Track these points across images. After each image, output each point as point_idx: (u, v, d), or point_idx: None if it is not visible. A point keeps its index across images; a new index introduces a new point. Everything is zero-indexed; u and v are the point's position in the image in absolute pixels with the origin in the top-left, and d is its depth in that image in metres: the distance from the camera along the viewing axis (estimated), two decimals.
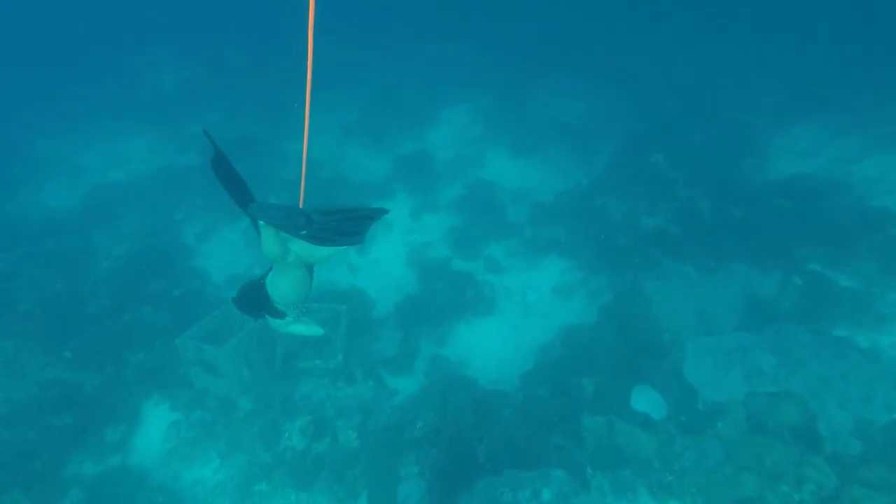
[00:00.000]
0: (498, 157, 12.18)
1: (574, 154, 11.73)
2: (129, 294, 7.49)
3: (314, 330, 3.90)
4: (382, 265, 9.32)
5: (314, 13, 1.69)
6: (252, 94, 13.61)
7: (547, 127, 12.41)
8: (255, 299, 3.62)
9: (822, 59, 13.28)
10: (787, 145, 10.54)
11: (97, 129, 12.38)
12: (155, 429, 6.71)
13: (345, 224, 3.39)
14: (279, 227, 3.25)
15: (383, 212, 3.24)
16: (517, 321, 8.22)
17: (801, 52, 14.01)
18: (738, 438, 5.30)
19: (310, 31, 1.82)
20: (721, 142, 10.94)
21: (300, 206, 2.83)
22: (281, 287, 3.42)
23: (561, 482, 5.04)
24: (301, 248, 3.32)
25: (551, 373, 6.47)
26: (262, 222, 3.30)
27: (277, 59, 15.26)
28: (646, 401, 5.65)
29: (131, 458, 6.43)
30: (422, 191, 10.86)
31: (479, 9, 20.04)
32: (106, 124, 12.56)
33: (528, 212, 10.36)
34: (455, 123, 13.44)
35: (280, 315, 3.82)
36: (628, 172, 10.27)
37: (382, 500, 5.52)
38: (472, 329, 8.03)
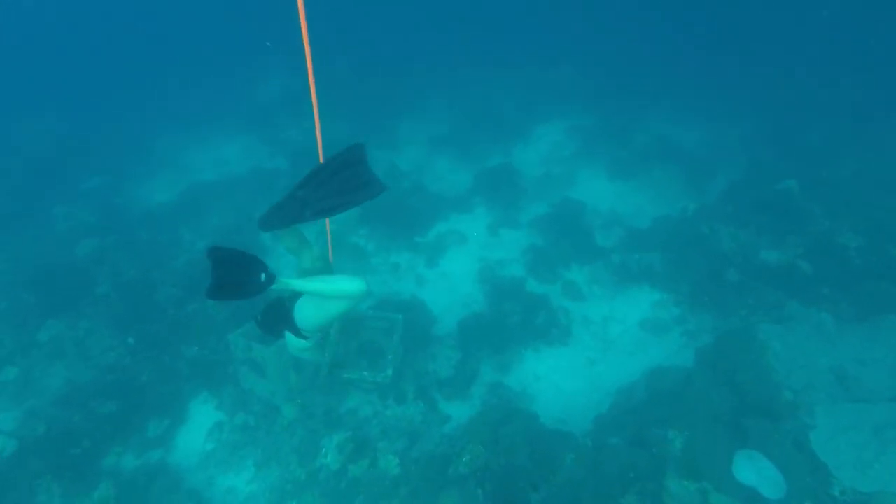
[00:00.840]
0: (592, 177, 11.46)
1: (682, 179, 10.65)
2: (198, 287, 7.82)
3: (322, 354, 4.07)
4: (451, 279, 8.88)
5: None
6: (350, 104, 14.29)
7: (654, 150, 11.48)
8: (278, 319, 3.69)
9: None
10: None
11: (207, 131, 13.70)
12: (198, 428, 6.70)
13: (345, 183, 3.07)
14: (288, 223, 3.28)
15: (360, 148, 3.20)
16: (594, 355, 7.27)
17: None
18: None
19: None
20: (881, 171, 9.29)
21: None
22: (309, 311, 3.53)
23: None
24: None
25: (630, 419, 5.48)
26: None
27: (379, 71, 16.30)
28: (755, 472, 4.47)
29: (171, 456, 6.43)
30: (503, 206, 10.40)
31: (588, 30, 19.69)
32: (214, 127, 13.88)
33: (619, 237, 9.45)
34: (548, 141, 12.96)
35: (302, 338, 3.78)
36: (749, 199, 8.96)
37: None
38: (540, 358, 7.24)
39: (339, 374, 6.24)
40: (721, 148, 11.77)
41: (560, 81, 15.37)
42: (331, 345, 6.46)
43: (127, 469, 6.16)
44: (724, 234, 8.30)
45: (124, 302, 7.60)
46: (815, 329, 6.53)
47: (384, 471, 5.84)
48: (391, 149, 12.82)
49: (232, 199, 10.71)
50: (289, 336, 3.82)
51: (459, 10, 22.37)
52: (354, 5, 22.08)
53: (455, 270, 9.05)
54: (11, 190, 11.30)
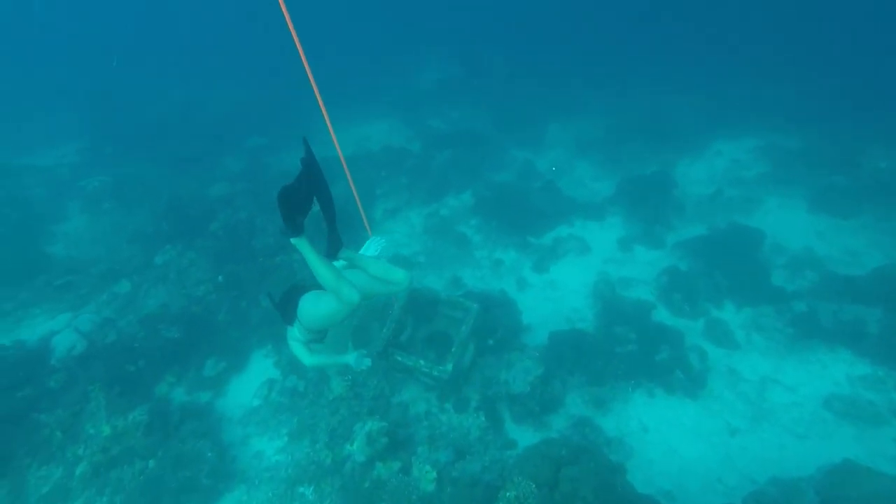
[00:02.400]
0: (784, 207, 9.24)
1: None
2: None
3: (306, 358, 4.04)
4: (559, 288, 7.68)
5: None
6: (501, 100, 14.14)
7: (887, 184, 8.87)
8: (288, 304, 3.94)
9: None
10: None
11: (359, 112, 14.70)
12: (252, 380, 6.57)
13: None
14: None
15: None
16: (738, 423, 5.40)
17: None
18: None
19: None
20: None
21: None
22: (309, 304, 3.84)
23: None
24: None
25: None
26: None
27: (536, 70, 15.88)
28: None
29: (218, 401, 6.38)
30: (646, 220, 8.83)
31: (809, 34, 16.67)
32: (368, 109, 14.79)
33: (812, 282, 7.29)
34: (727, 158, 10.93)
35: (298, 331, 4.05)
36: None
37: None
38: (653, 404, 5.63)
39: (393, 356, 5.57)
40: None
41: (759, 95, 13.01)
42: (390, 321, 5.87)
43: (174, 400, 6.25)
44: None
45: (227, 241, 8.07)
46: None
47: (416, 481, 4.93)
48: (532, 148, 12.09)
49: (360, 171, 11.01)
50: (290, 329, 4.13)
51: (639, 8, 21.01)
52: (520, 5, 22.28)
53: (566, 280, 7.82)
54: (191, 139, 13.32)
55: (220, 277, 7.61)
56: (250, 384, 6.60)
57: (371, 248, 4.54)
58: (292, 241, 3.38)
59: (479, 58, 17.09)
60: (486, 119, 13.47)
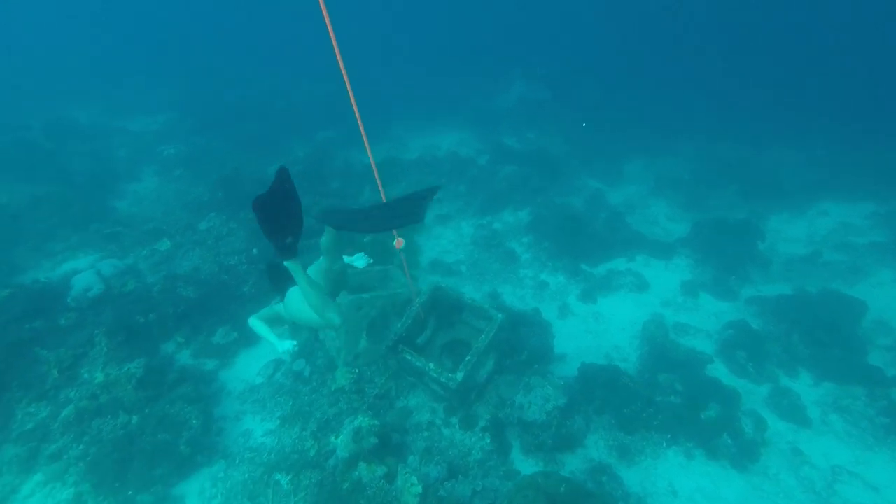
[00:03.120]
0: None
1: None
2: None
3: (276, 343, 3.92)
4: (604, 322, 7.04)
5: None
6: (580, 125, 13.80)
7: None
8: (278, 279, 3.94)
9: None
10: None
11: (438, 123, 14.98)
12: (260, 356, 6.44)
13: (401, 207, 3.27)
14: (342, 226, 3.56)
15: (435, 190, 3.35)
16: None
17: None
18: None
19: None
20: None
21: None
22: (292, 301, 3.88)
23: None
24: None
25: None
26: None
27: (623, 104, 15.40)
28: None
29: (222, 372, 6.28)
30: (720, 268, 8.00)
31: None
32: (444, 121, 15.09)
33: None
34: (835, 220, 9.83)
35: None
36: None
37: None
38: (689, 468, 4.86)
39: (402, 354, 5.23)
40: None
41: (885, 160, 11.67)
42: (406, 317, 5.55)
43: (177, 361, 6.22)
44: None
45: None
46: None
47: (398, 492, 4.49)
48: (606, 180, 11.56)
49: (419, 175, 11.01)
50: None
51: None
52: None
53: (613, 314, 7.18)
54: (267, 123, 14.02)
55: (254, 250, 7.68)
56: (258, 361, 6.47)
57: (360, 261, 4.47)
58: (285, 263, 3.48)
59: (568, 83, 16.89)
60: (562, 144, 13.13)
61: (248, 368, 6.41)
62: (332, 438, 5.00)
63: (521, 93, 16.93)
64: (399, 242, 4.00)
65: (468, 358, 5.06)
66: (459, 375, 4.94)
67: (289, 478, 4.96)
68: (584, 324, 7.03)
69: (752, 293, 7.59)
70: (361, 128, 3.41)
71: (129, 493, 4.83)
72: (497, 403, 5.35)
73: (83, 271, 6.54)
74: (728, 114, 14.78)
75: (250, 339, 6.69)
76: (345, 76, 3.03)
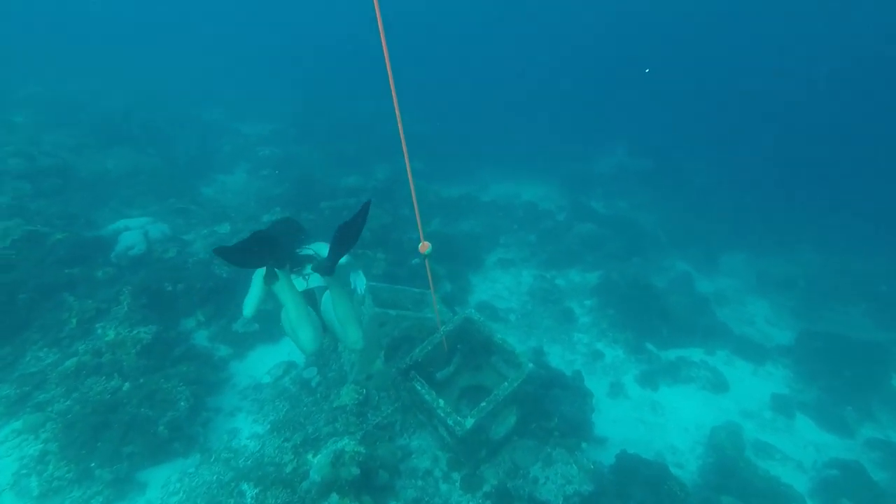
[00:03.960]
0: None
1: None
2: (382, 243, 7.78)
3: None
4: (664, 414, 6.03)
5: None
6: (679, 204, 13.04)
7: None
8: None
9: None
10: None
11: (526, 173, 14.77)
12: (275, 354, 6.12)
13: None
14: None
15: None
16: None
17: None
18: None
19: None
20: None
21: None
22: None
23: None
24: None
25: None
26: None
27: (735, 192, 14.28)
28: None
29: (233, 362, 6.00)
30: (830, 392, 6.70)
31: None
32: (534, 173, 14.81)
33: None
34: None
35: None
36: None
37: None
38: None
39: (412, 382, 4.63)
40: None
41: None
42: (428, 342, 4.96)
43: (190, 339, 6.03)
44: None
45: (329, 220, 8.17)
46: None
47: None
48: (698, 266, 10.48)
49: (487, 216, 10.69)
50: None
51: None
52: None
53: (676, 409, 6.15)
54: (359, 144, 14.41)
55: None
56: (272, 358, 6.13)
57: (359, 282, 4.30)
58: (279, 272, 3.43)
59: (676, 158, 16.04)
60: (654, 219, 12.26)
61: (259, 364, 6.08)
62: (310, 457, 4.44)
63: (620, 161, 16.31)
64: (424, 246, 3.52)
65: (483, 404, 4.35)
66: (469, 422, 4.24)
67: (255, 491, 4.40)
68: (638, 411, 6.04)
69: (877, 435, 6.19)
70: (406, 155, 3.08)
71: (92, 464, 4.47)
72: (509, 470, 4.53)
73: (132, 230, 6.68)
74: (865, 225, 13.11)
75: (271, 335, 6.42)
76: (398, 115, 2.76)
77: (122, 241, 6.48)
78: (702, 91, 24.21)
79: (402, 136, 3.00)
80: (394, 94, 2.82)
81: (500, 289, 8.30)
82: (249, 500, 4.36)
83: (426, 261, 3.76)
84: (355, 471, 4.13)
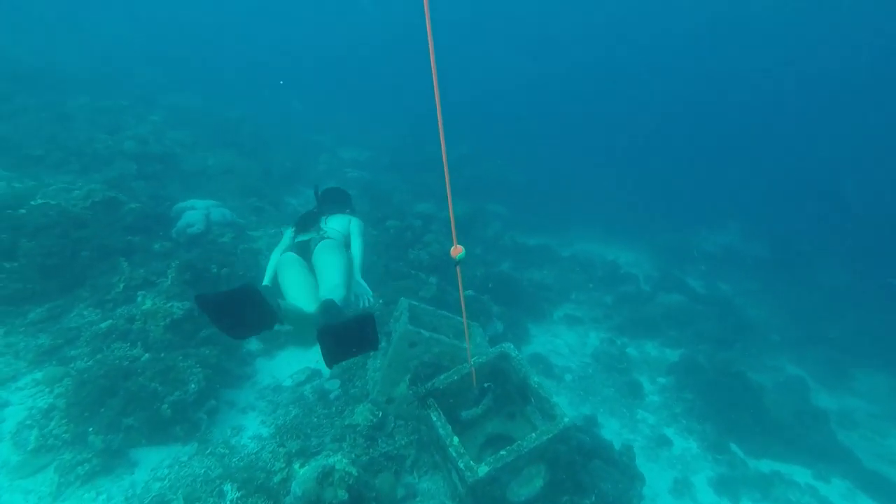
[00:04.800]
0: None
1: None
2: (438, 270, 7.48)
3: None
4: None
5: None
6: (803, 302, 11.53)
7: None
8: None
9: None
10: None
11: (621, 240, 13.90)
12: (304, 359, 5.86)
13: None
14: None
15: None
16: None
17: None
18: None
19: None
20: None
21: None
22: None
23: None
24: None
25: None
26: None
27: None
28: None
29: (260, 359, 5.83)
30: None
31: None
32: (626, 239, 13.92)
33: None
34: None
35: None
36: None
37: None
38: None
39: (428, 410, 4.09)
40: None
41: None
42: (455, 371, 4.40)
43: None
44: None
45: (391, 238, 8.01)
46: None
47: None
48: (822, 380, 8.89)
49: (563, 271, 10.04)
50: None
51: None
52: None
53: None
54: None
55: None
56: (300, 362, 5.86)
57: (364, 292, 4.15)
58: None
59: (803, 250, 14.30)
60: (763, 313, 10.82)
61: (286, 366, 5.81)
62: (297, 467, 3.99)
63: (731, 241, 14.88)
64: (457, 249, 3.12)
65: (502, 452, 3.71)
66: (483, 469, 3.60)
67: (236, 495, 4.01)
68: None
69: None
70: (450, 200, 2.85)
71: (89, 429, 4.34)
72: None
73: (196, 209, 6.91)
74: None
75: (306, 337, 6.17)
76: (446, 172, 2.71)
77: (184, 217, 6.69)
78: (844, 174, 21.44)
79: (443, 151, 2.71)
80: (440, 127, 2.61)
81: (561, 345, 7.54)
82: (232, 499, 3.98)
83: (458, 269, 3.33)
84: (342, 495, 3.62)
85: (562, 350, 7.42)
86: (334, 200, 4.67)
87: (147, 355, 4.98)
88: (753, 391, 6.93)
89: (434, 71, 2.30)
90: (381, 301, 6.05)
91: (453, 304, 6.58)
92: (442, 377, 4.34)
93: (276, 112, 19.61)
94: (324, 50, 38.30)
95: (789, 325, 10.34)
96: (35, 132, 9.54)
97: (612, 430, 5.91)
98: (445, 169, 2.79)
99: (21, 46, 17.47)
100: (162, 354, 5.02)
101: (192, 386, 4.78)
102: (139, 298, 5.67)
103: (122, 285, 5.74)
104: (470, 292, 6.89)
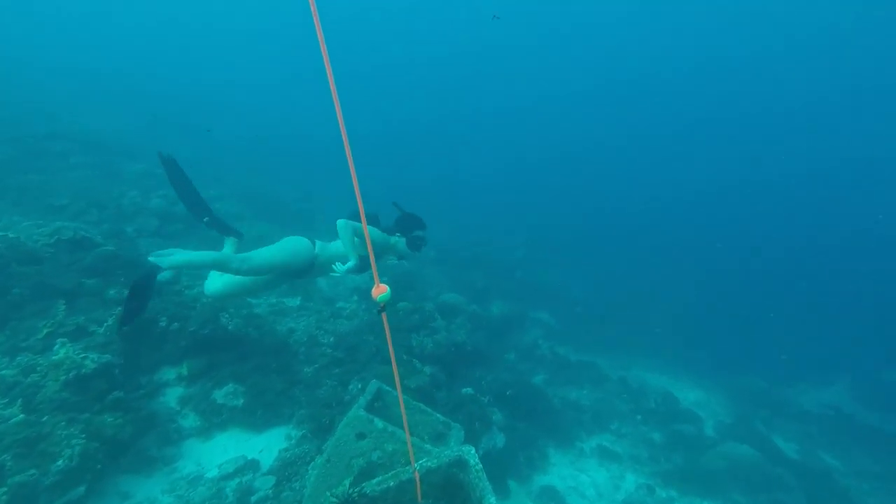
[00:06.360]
0: None
1: None
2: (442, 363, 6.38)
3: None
4: None
5: None
6: None
7: None
8: None
9: None
10: None
11: (689, 377, 12.05)
12: (243, 448, 4.79)
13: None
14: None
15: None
16: None
17: None
18: None
19: None
20: None
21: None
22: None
23: None
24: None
25: None
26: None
27: None
28: None
29: (192, 439, 4.82)
30: None
31: None
32: (697, 377, 12.07)
33: None
34: None
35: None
36: None
37: None
38: None
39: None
40: None
41: None
42: (388, 478, 3.23)
43: (159, 395, 5.20)
44: None
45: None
46: None
47: None
48: None
49: (605, 394, 8.58)
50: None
51: None
52: None
53: None
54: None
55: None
56: (235, 450, 4.80)
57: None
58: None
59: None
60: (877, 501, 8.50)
61: (220, 452, 4.76)
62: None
63: (838, 401, 12.39)
64: (379, 289, 2.30)
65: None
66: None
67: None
68: None
69: None
70: None
71: None
72: None
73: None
74: None
75: (256, 420, 5.23)
76: None
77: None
78: None
79: None
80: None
81: (585, 483, 5.99)
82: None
83: (383, 315, 2.41)
84: None
85: (586, 490, 5.86)
86: (405, 225, 4.99)
87: (21, 416, 4.00)
88: None
89: None
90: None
91: (448, 404, 5.46)
92: (375, 481, 3.20)
93: (335, 194, 20.03)
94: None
95: None
96: (72, 185, 9.82)
97: None
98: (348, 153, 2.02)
99: (100, 119, 19.08)
100: (44, 418, 4.04)
101: (59, 463, 3.71)
102: (56, 347, 4.95)
103: (45, 331, 4.99)
104: (469, 390, 5.72)
